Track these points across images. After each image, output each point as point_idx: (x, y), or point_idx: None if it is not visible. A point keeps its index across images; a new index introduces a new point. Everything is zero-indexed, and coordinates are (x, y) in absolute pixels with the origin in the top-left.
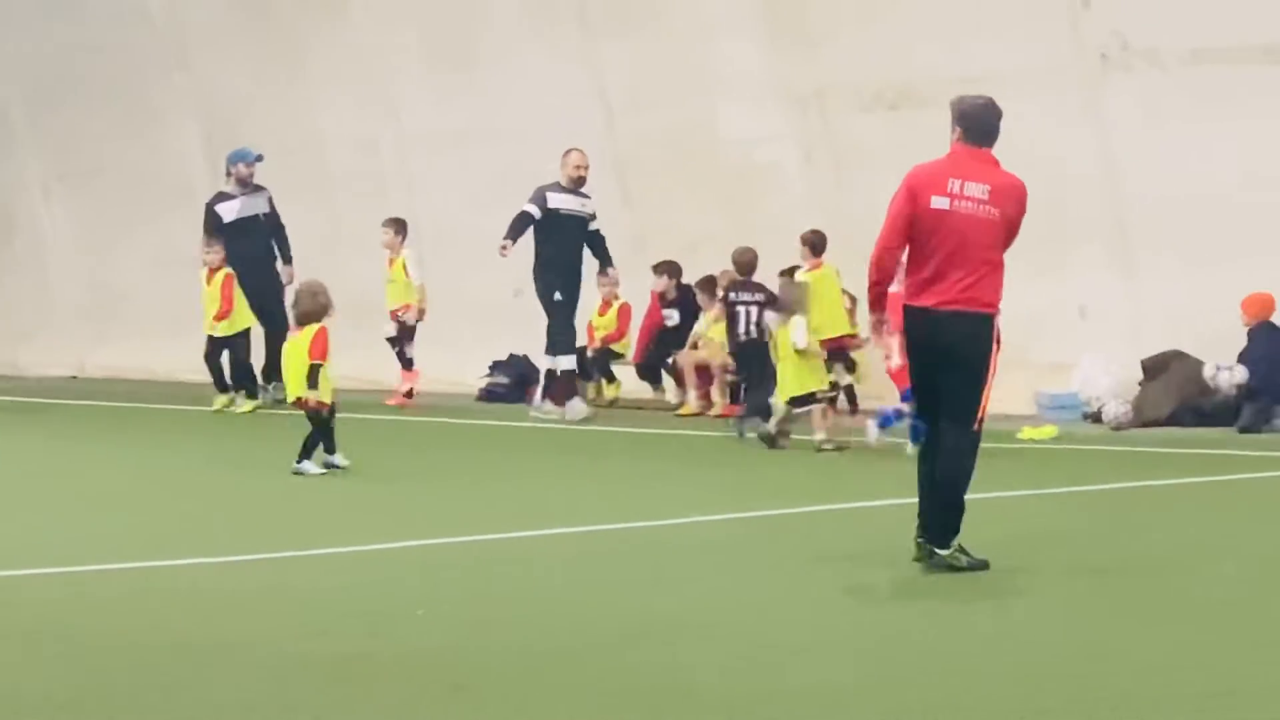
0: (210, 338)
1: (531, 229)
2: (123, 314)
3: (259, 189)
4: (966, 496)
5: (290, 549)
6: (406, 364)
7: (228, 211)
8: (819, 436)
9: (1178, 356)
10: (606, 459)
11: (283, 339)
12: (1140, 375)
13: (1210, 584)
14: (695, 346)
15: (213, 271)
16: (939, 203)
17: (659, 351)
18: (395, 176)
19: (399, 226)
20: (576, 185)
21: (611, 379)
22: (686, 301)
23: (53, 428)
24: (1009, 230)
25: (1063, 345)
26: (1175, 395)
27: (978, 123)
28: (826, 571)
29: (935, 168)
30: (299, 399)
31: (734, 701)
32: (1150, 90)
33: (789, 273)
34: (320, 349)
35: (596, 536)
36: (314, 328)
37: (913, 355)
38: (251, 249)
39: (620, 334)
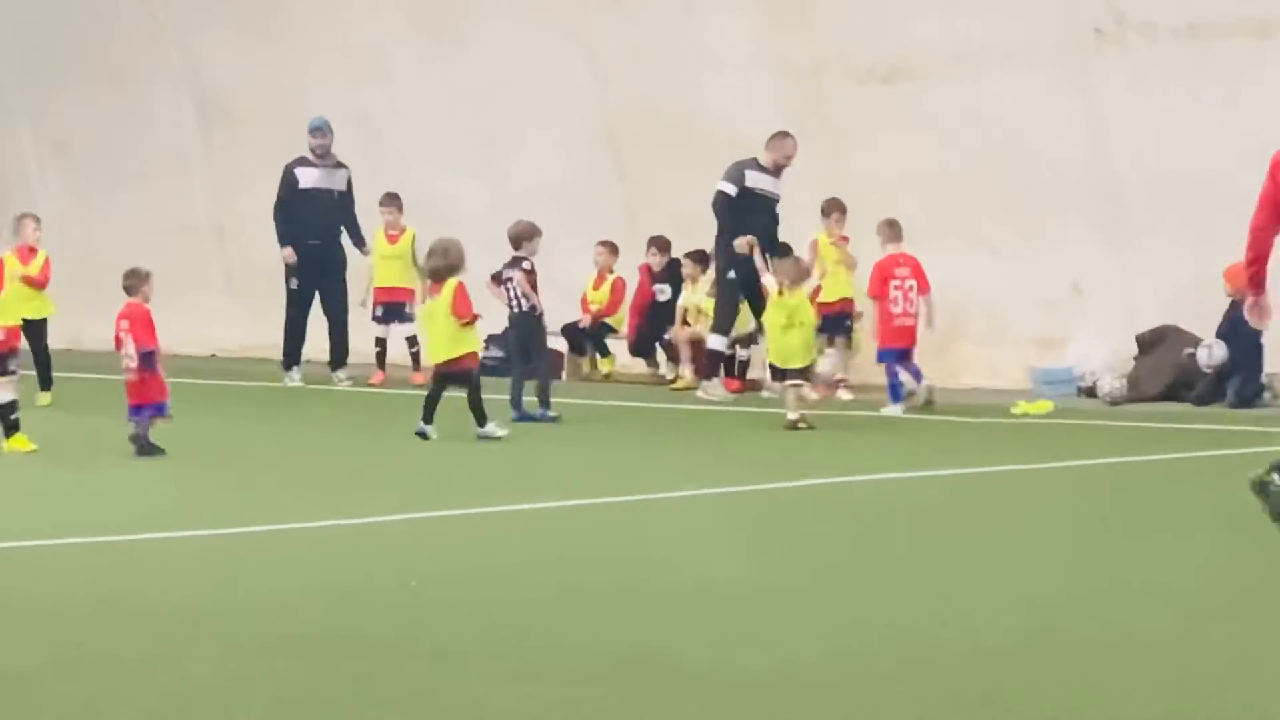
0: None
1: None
2: (112, 284)
3: (340, 166)
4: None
5: (263, 524)
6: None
7: (305, 177)
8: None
9: (1174, 331)
10: (600, 433)
11: (343, 321)
12: (1135, 350)
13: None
14: (686, 321)
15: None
16: None
17: (651, 327)
18: (387, 148)
19: (399, 203)
20: (777, 171)
21: (605, 353)
22: (676, 275)
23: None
24: None
25: (1057, 320)
26: (1170, 370)
27: None
28: (813, 547)
29: None
30: (449, 361)
31: (715, 676)
32: (1143, 64)
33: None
34: (466, 305)
35: (587, 510)
36: (452, 284)
37: None
38: (319, 221)
39: (614, 307)
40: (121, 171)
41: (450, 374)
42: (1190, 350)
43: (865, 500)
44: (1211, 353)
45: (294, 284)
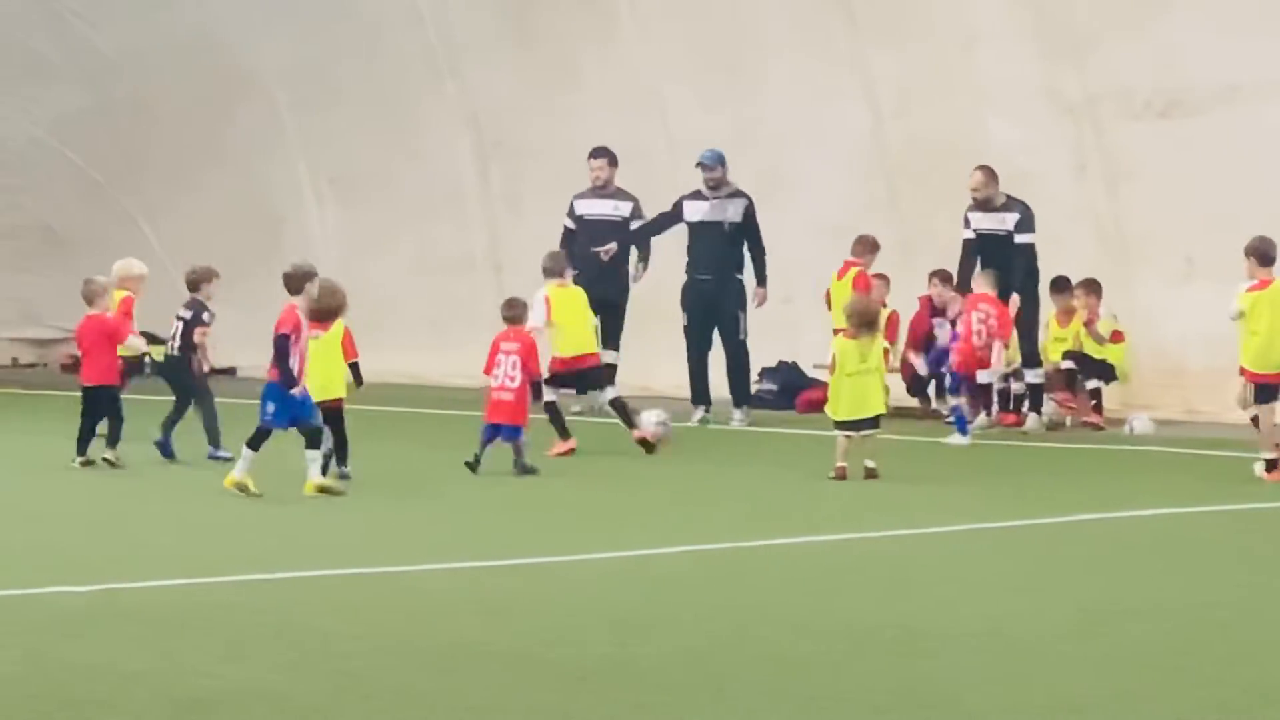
0: None
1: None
2: (389, 319)
3: (736, 195)
4: None
5: (534, 555)
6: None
7: (693, 211)
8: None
9: None
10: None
11: (739, 358)
12: None
13: None
14: None
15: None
16: None
17: (928, 361)
18: (663, 182)
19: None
20: (984, 205)
21: None
22: None
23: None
24: None
25: None
26: None
27: None
28: (1092, 584)
29: None
30: (338, 400)
31: (997, 716)
32: None
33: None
34: (353, 345)
35: (857, 544)
36: (341, 325)
37: None
38: (708, 255)
39: (890, 340)
40: (398, 206)
41: (331, 411)
42: None
43: (1148, 536)
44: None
45: (685, 320)
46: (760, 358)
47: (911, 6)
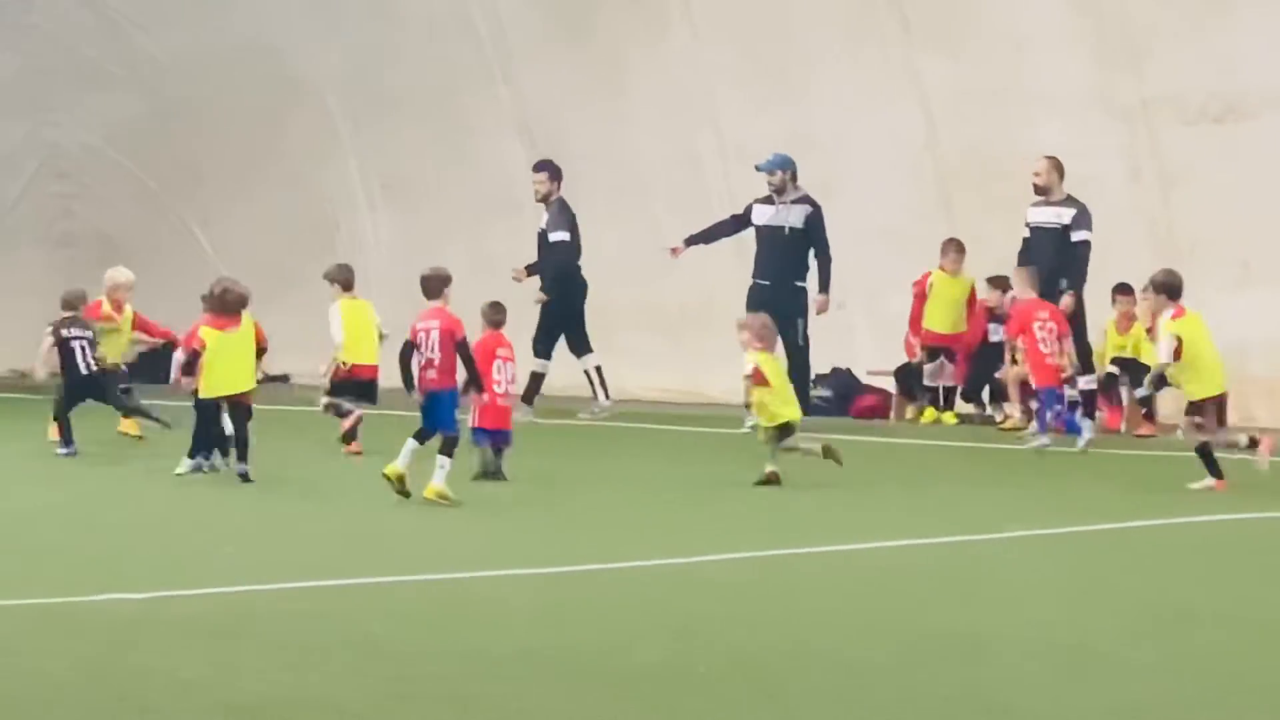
0: None
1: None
2: None
3: (801, 201)
4: None
5: (587, 562)
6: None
7: (759, 215)
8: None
9: None
10: (920, 474)
11: (800, 365)
12: None
13: None
14: (1015, 361)
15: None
16: None
17: (984, 367)
18: (715, 189)
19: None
20: (1043, 194)
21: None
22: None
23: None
24: None
25: None
26: None
27: None
28: (1131, 588)
29: None
30: (248, 393)
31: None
32: None
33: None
34: (263, 335)
35: (913, 550)
36: (251, 320)
37: None
38: (767, 260)
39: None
40: (450, 211)
41: (245, 405)
42: None
43: (1204, 541)
44: None
45: None
46: (813, 364)
47: (964, 11)
